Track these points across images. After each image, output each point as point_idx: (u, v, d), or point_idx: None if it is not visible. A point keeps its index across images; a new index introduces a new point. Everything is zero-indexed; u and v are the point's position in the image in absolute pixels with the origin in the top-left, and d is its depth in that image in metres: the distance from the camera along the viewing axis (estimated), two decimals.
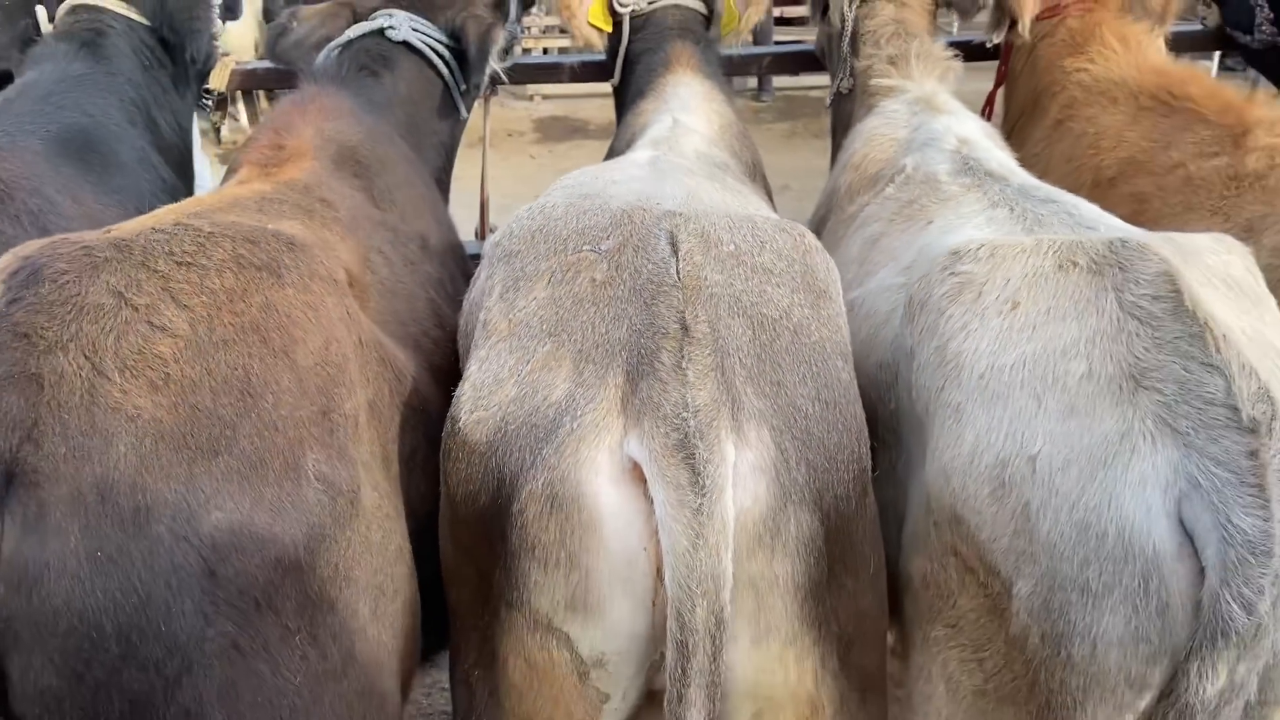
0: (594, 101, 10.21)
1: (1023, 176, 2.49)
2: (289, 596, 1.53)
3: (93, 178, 2.58)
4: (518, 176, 8.38)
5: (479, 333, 1.92)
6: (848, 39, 3.33)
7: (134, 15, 2.91)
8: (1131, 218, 2.46)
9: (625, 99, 3.31)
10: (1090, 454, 1.62)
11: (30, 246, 1.68)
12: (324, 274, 1.88)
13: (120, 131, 2.71)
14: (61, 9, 2.87)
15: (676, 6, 3.31)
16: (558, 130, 10.68)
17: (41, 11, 2.86)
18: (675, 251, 1.78)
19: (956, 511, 1.80)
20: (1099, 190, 2.93)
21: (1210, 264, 1.91)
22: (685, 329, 1.63)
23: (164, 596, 1.40)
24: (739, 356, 1.72)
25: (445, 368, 2.32)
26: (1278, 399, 1.53)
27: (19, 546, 1.36)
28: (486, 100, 3.63)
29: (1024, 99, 3.44)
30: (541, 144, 10.40)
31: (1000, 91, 3.59)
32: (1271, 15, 3.48)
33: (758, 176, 3.12)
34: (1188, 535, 1.52)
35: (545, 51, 10.00)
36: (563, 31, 8.30)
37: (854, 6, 3.31)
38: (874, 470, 1.91)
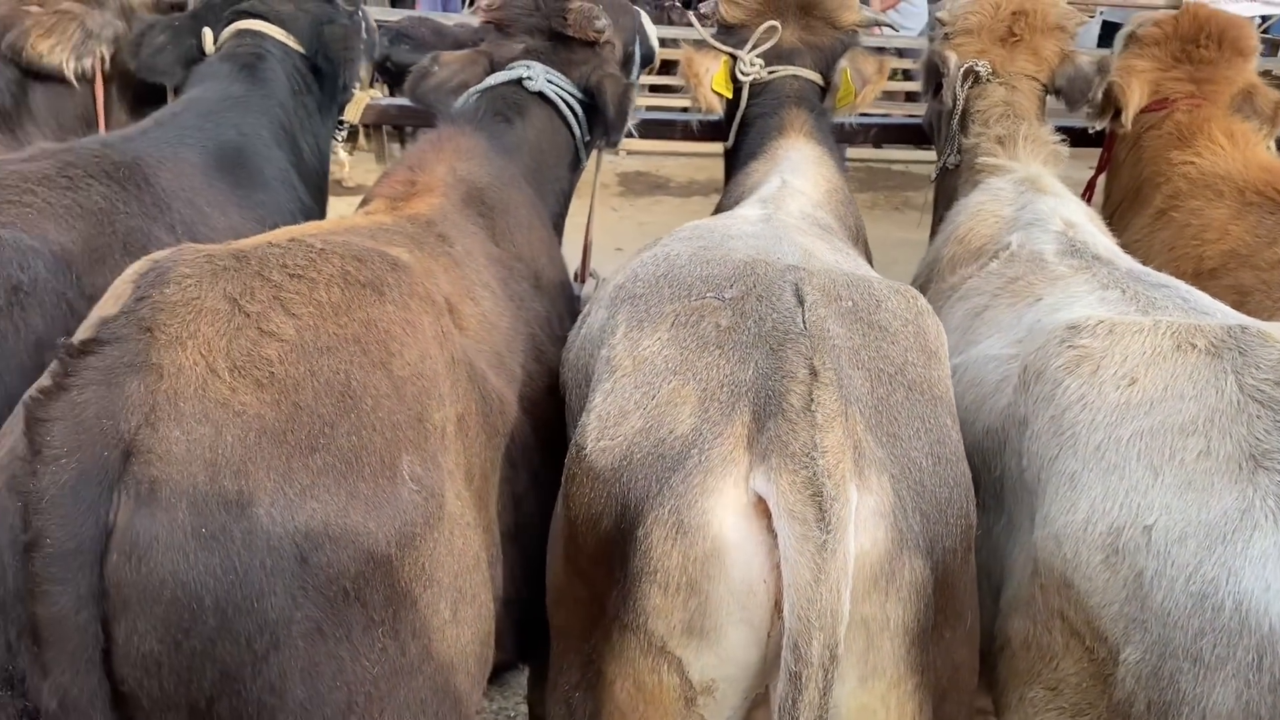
0: (677, 160, 10.42)
1: (1129, 261, 2.55)
2: (376, 589, 1.60)
3: (239, 193, 2.75)
4: (599, 227, 8.54)
5: (602, 368, 2.00)
6: (957, 117, 3.43)
7: (291, 43, 3.10)
8: (1236, 309, 2.50)
9: (737, 160, 3.43)
10: (1209, 528, 1.66)
11: (162, 253, 1.82)
12: (423, 294, 1.99)
13: (268, 151, 2.88)
14: (227, 32, 3.06)
15: (795, 76, 3.43)
16: (640, 185, 10.89)
17: (208, 33, 3.05)
18: (801, 303, 1.86)
19: (1066, 576, 1.84)
20: (1200, 280, 2.96)
21: None
22: (814, 374, 1.70)
23: (259, 576, 1.48)
24: (859, 406, 1.78)
25: (535, 398, 2.41)
26: None
27: (132, 519, 1.45)
28: (600, 152, 3.77)
29: (1126, 186, 3.50)
30: (623, 197, 10.60)
31: (1100, 178, 3.66)
32: None
33: (860, 241, 3.20)
34: None
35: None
36: (654, 90, 8.52)
37: (965, 87, 3.40)
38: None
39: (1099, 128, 3.49)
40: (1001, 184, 3.11)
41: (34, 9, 3.02)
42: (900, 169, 10.60)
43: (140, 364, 1.50)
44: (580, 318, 2.55)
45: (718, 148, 3.68)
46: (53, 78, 3.07)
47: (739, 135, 3.48)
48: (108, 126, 3.11)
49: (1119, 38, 3.65)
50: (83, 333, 1.56)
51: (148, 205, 2.54)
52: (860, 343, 1.91)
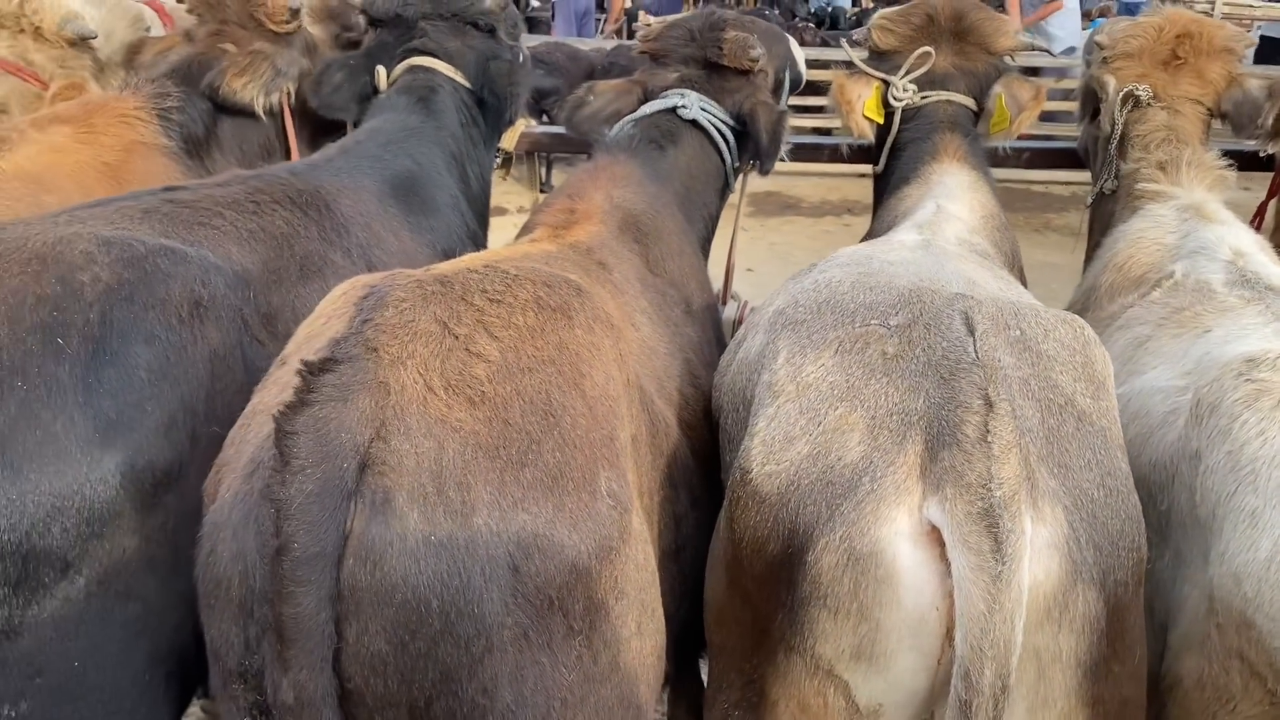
0: (808, 180, 10.40)
1: None
2: (577, 599, 1.67)
3: (412, 219, 2.90)
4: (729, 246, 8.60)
5: (763, 393, 2.05)
6: (1115, 142, 3.36)
7: (459, 78, 3.27)
8: None
9: (887, 184, 3.44)
10: None
11: (375, 277, 1.94)
12: (604, 318, 2.07)
13: (440, 179, 3.03)
14: (399, 68, 3.25)
15: (949, 102, 3.43)
16: (771, 205, 10.90)
17: (381, 71, 3.24)
18: (971, 331, 1.87)
19: (1247, 616, 1.80)
20: None
21: None
22: (990, 404, 1.71)
23: (479, 583, 1.56)
24: (1031, 437, 1.78)
25: (691, 422, 2.47)
26: None
27: (368, 526, 1.55)
28: (745, 175, 3.83)
29: None
30: (753, 217, 10.61)
31: (1272, 203, 3.53)
32: None
33: (1016, 268, 3.17)
34: None
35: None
36: (801, 110, 8.53)
37: (1125, 111, 3.34)
38: None
39: (1270, 151, 3.36)
40: (1163, 210, 3.04)
41: (230, 48, 3.26)
42: (1041, 189, 10.35)
43: (370, 381, 1.61)
44: (733, 342, 2.60)
45: (850, 167, 3.68)
46: (242, 111, 3.30)
47: (890, 160, 3.49)
48: (293, 155, 3.33)
49: None
50: (316, 352, 1.68)
51: (326, 230, 2.71)
52: (1030, 372, 1.91)
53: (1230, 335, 2.33)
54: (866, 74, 3.51)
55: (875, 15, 3.64)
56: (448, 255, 2.89)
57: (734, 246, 4.06)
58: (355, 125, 3.23)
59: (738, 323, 3.90)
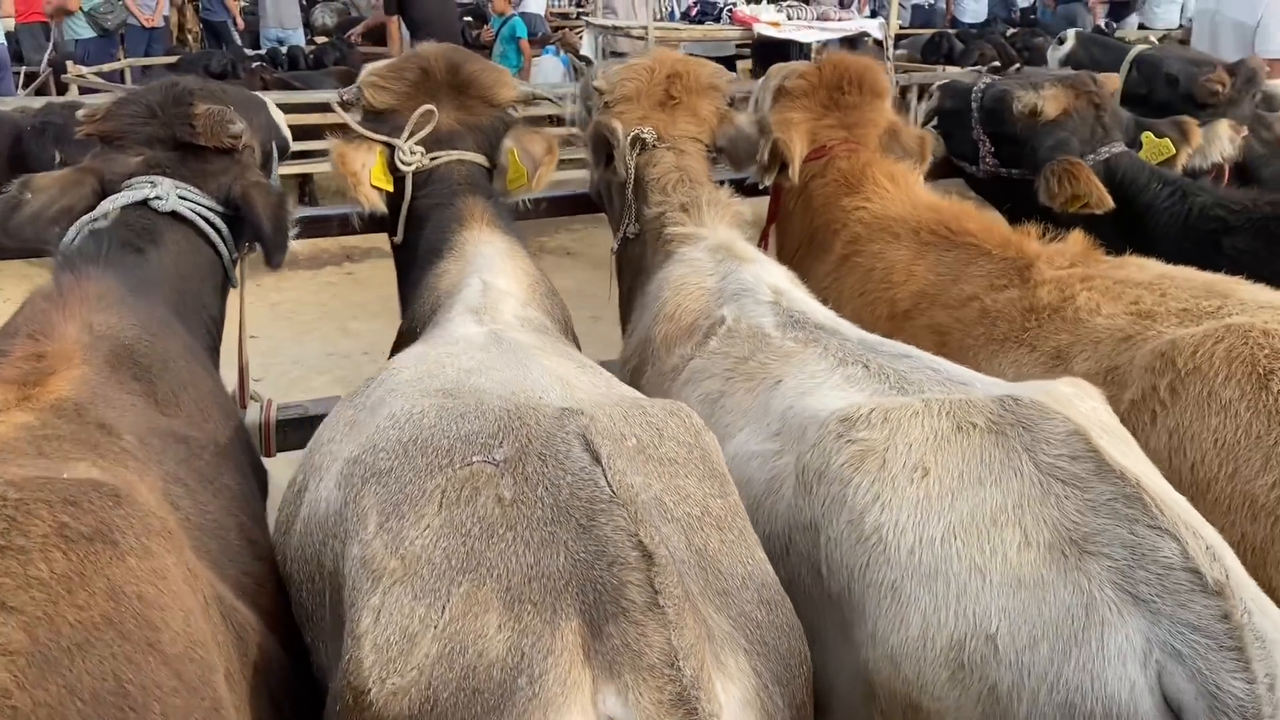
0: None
1: (853, 329, 2.52)
2: None
3: None
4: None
5: (358, 575, 1.63)
6: (631, 186, 3.32)
7: None
8: (935, 349, 2.56)
9: (414, 256, 3.09)
10: (1057, 629, 1.60)
11: None
12: (159, 528, 1.55)
13: None
14: None
15: (461, 161, 3.17)
16: (260, 261, 10.06)
17: None
18: (597, 459, 1.60)
19: (912, 699, 1.71)
20: (896, 322, 3.05)
21: (1084, 411, 1.98)
22: (647, 556, 1.45)
23: None
24: (687, 570, 1.56)
25: (272, 609, 1.98)
26: (1223, 555, 1.58)
27: None
28: (242, 260, 3.27)
29: (800, 235, 3.56)
30: (249, 278, 9.71)
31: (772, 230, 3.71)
32: (993, 149, 3.85)
33: (570, 333, 3.00)
34: (1171, 709, 1.51)
35: None
36: None
37: (634, 155, 3.30)
38: None
39: (767, 184, 3.52)
40: (696, 253, 3.03)
41: None
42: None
43: None
44: (292, 492, 2.12)
45: None
46: None
47: (411, 228, 3.15)
48: None
49: (765, 91, 3.72)
50: None
51: None
52: (660, 488, 1.70)
53: (804, 386, 2.29)
54: (367, 138, 3.13)
55: (365, 71, 3.27)
56: None
57: (244, 343, 3.49)
58: None
59: (264, 426, 3.35)
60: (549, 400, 1.82)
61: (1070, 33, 4.91)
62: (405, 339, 2.84)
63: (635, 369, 3.00)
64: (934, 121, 4.09)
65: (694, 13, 13.22)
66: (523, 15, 13.91)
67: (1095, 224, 3.26)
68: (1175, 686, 1.51)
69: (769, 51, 12.40)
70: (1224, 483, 2.12)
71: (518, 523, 1.57)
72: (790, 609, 1.73)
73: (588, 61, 12.12)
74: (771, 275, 2.86)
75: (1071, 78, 3.79)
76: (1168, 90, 4.27)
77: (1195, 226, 3.41)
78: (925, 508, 1.81)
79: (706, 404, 2.56)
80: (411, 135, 3.14)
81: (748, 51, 13.29)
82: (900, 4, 14.29)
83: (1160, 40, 9.29)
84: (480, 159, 3.24)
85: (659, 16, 13.02)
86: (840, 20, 13.33)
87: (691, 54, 3.93)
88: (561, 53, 14.37)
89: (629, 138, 3.28)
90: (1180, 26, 14.07)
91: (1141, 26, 15.12)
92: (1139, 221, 3.55)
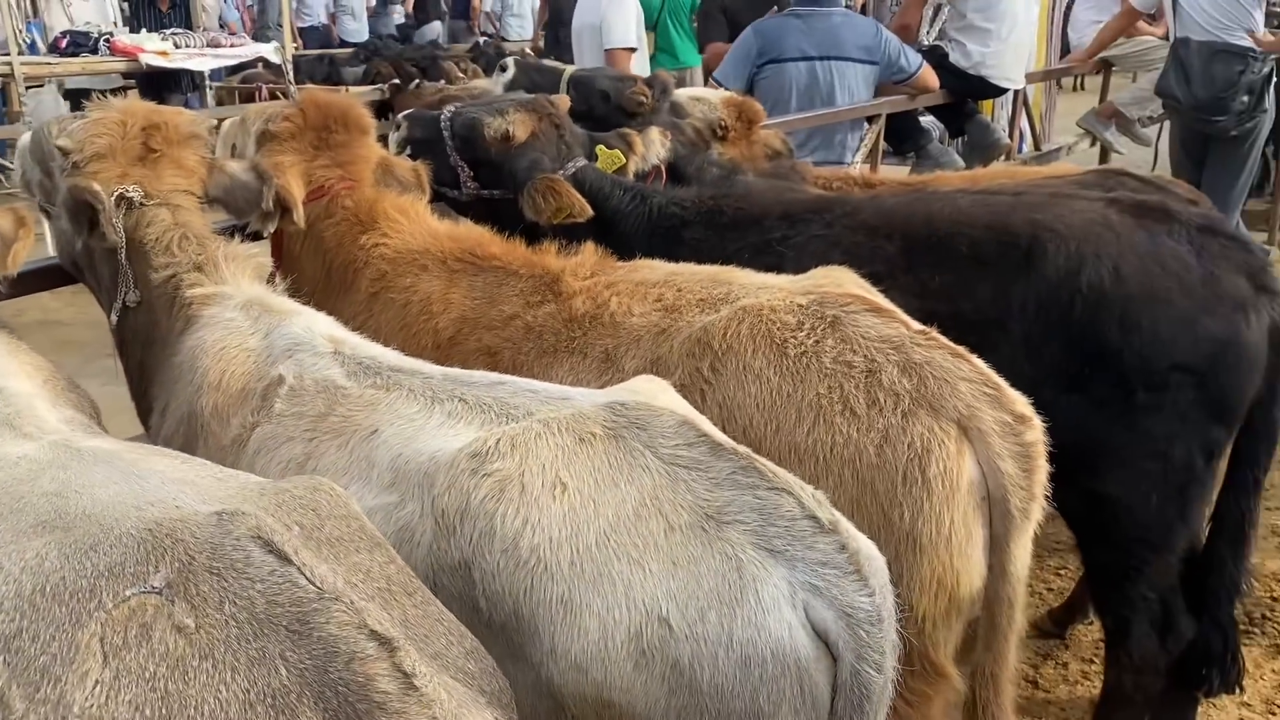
0: None
1: (433, 366, 2.57)
2: None
3: None
4: None
5: None
6: (123, 251, 3.01)
7: None
8: (491, 369, 2.72)
9: None
10: (719, 595, 1.83)
11: None
12: None
13: None
14: None
15: None
16: None
17: None
18: (286, 559, 1.51)
19: (603, 698, 1.86)
20: (444, 350, 3.13)
21: (667, 402, 2.25)
22: (384, 641, 1.41)
23: None
24: (410, 642, 1.54)
25: None
26: (824, 498, 1.92)
27: None
28: None
29: (314, 276, 3.46)
30: None
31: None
32: (472, 174, 4.06)
33: (94, 413, 2.67)
34: (818, 634, 1.82)
35: None
36: None
37: (120, 217, 3.00)
38: None
39: (270, 232, 3.38)
40: (227, 314, 2.85)
41: None
42: None
43: None
44: None
45: None
46: None
47: None
48: None
49: (245, 135, 3.56)
50: None
51: None
52: (344, 571, 1.63)
53: (406, 432, 2.30)
54: None
55: None
56: None
57: None
58: None
59: None
60: (190, 507, 1.65)
61: (510, 60, 5.29)
62: None
63: (183, 448, 2.75)
64: (406, 151, 4.20)
65: (63, 45, 11.89)
66: None
67: (577, 233, 3.62)
68: (819, 615, 1.82)
69: (157, 82, 11.71)
70: (771, 439, 2.53)
71: (213, 649, 1.43)
72: (484, 650, 1.77)
73: None
74: (321, 325, 2.79)
75: (530, 101, 4.12)
76: (604, 105, 4.82)
77: (658, 224, 3.91)
78: (574, 520, 1.96)
79: (293, 469, 2.46)
80: None
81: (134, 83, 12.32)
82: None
83: (521, 54, 10.04)
84: None
85: (21, 50, 11.53)
86: (233, 47, 12.86)
87: (77, 88, 3.62)
88: None
89: (113, 197, 2.97)
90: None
91: (502, 39, 16.62)
92: (611, 226, 3.98)
